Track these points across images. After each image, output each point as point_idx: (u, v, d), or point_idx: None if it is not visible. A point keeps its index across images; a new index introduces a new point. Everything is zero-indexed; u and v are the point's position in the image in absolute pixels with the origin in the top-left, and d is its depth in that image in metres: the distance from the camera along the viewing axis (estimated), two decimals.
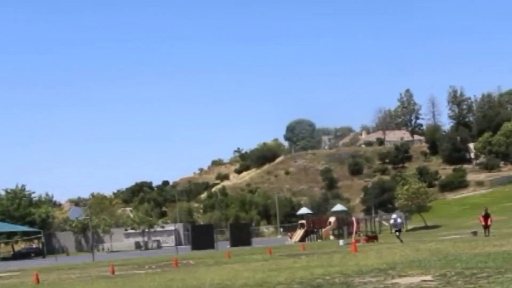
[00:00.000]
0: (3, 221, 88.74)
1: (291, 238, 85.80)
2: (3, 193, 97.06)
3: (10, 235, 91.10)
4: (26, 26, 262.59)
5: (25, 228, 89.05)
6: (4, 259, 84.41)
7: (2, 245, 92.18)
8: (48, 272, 39.83)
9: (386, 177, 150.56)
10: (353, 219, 77.23)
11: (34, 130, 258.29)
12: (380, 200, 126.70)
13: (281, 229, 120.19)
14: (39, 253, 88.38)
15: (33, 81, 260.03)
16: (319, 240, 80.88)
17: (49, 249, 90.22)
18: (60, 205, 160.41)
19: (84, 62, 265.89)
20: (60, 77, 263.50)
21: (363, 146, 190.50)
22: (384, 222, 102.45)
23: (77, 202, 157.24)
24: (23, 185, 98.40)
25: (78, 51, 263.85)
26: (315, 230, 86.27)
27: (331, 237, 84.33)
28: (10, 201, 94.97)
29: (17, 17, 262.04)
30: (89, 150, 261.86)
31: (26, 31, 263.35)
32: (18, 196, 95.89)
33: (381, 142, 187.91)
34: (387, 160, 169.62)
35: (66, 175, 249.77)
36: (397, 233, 51.23)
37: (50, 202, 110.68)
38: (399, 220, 54.51)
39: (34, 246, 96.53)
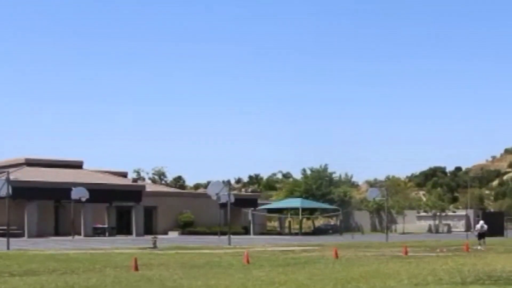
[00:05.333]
0: (307, 199, 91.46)
1: None
2: (309, 172, 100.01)
3: (312, 211, 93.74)
4: None
5: (326, 206, 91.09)
6: (305, 234, 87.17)
7: (305, 220, 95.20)
8: (345, 249, 40.54)
9: None
10: None
11: (337, 113, 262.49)
12: None
13: None
14: (336, 230, 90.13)
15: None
16: None
17: (346, 227, 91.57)
18: (357, 185, 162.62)
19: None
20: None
21: None
22: None
23: (373, 184, 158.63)
24: (326, 165, 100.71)
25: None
26: None
27: None
28: (314, 180, 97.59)
29: None
30: (387, 133, 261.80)
31: None
32: (320, 176, 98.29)
33: None
34: None
35: (365, 158, 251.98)
36: None
37: (348, 182, 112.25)
38: None
39: (332, 223, 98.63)
